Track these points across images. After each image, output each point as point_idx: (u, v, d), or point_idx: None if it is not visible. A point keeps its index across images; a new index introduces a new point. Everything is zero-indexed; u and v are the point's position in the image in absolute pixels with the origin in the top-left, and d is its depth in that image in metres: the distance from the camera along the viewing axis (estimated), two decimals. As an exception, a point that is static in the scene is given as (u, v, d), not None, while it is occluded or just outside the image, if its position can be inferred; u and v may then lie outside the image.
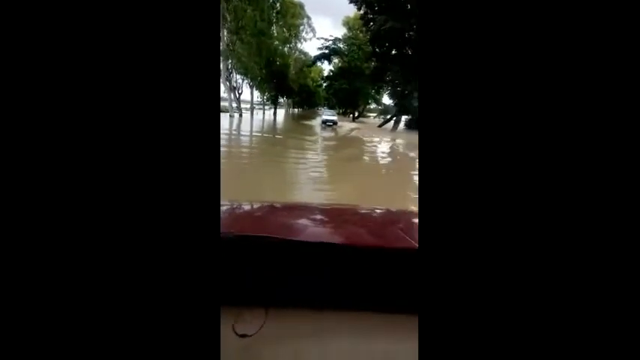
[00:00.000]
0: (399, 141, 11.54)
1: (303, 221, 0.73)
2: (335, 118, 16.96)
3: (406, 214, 0.85)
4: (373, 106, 27.84)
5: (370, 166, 6.73)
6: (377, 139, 11.57)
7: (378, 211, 0.90)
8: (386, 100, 23.15)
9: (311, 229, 0.68)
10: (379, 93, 23.28)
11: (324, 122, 16.02)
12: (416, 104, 17.57)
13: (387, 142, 11.24)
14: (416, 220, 0.71)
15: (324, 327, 0.45)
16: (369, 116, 29.09)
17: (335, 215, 0.83)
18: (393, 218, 0.85)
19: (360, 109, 26.10)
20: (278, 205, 0.87)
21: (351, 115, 24.92)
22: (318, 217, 0.79)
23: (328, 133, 12.57)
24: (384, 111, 23.62)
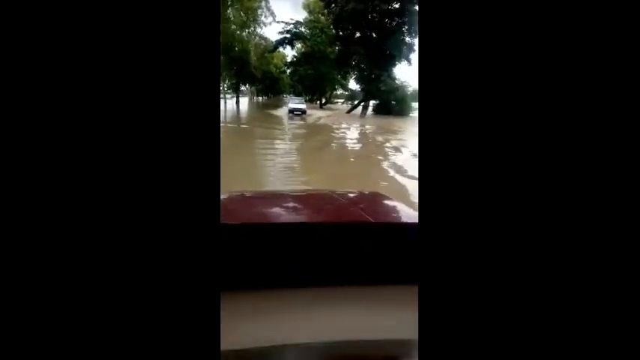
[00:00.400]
0: (367, 127, 11.62)
1: (275, 208, 0.79)
2: (303, 106, 15.26)
3: (366, 195, 1.00)
4: (340, 91, 27.76)
5: (340, 153, 6.68)
6: (345, 126, 11.53)
7: (344, 194, 0.99)
8: (353, 85, 22.98)
9: (283, 214, 0.75)
10: (345, 78, 22.99)
11: (292, 111, 14.36)
12: (383, 88, 17.68)
13: (356, 128, 11.26)
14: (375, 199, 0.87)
15: (308, 302, 0.48)
16: (337, 102, 29.01)
17: (304, 200, 0.90)
18: (356, 199, 0.94)
19: (327, 95, 25.89)
20: (249, 194, 0.96)
21: (318, 102, 24.69)
22: (290, 203, 0.85)
23: (297, 122, 12.14)
24: (351, 96, 23.40)
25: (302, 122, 12.30)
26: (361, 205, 0.80)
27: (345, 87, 24.55)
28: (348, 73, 20.69)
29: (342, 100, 27.96)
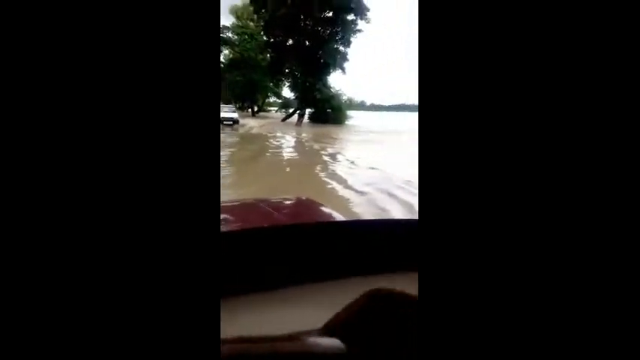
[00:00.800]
0: (304, 135, 11.42)
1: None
2: (235, 115, 13.56)
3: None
4: (273, 99, 27.34)
5: (276, 162, 6.33)
6: (280, 135, 11.19)
7: (269, 201, 1.02)
8: (287, 92, 22.71)
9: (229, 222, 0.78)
10: (278, 86, 22.74)
11: (222, 121, 12.55)
12: (319, 96, 17.74)
13: (293, 136, 10.99)
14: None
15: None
16: (270, 110, 28.53)
17: (229, 210, 0.91)
18: (280, 206, 1.00)
19: (260, 103, 25.28)
20: None
21: (250, 110, 23.95)
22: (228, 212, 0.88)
23: (228, 132, 11.24)
24: (285, 104, 23.16)
25: (233, 132, 11.61)
26: (285, 211, 0.87)
27: (278, 95, 24.13)
28: (281, 80, 20.37)
29: (275, 109, 27.58)
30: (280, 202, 1.07)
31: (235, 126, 13.10)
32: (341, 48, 16.61)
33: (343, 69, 17.12)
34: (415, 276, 0.31)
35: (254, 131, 12.55)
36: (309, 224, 0.72)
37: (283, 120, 18.44)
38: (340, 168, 5.62)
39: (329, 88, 17.98)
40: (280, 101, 23.70)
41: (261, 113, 24.54)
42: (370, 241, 0.66)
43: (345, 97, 19.35)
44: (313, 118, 18.02)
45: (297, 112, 17.62)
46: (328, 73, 17.20)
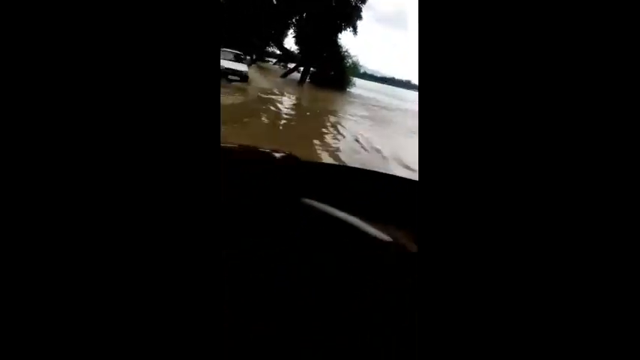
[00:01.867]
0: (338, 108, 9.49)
1: None
2: (244, 68, 9.58)
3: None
4: (272, 49, 25.14)
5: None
6: (287, 101, 9.76)
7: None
8: (289, 45, 20.64)
9: None
10: (282, 34, 20.71)
11: (225, 75, 8.76)
12: (326, 55, 16.11)
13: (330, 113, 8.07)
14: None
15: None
16: (269, 61, 26.47)
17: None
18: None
19: (258, 51, 23.20)
20: None
21: (248, 57, 21.88)
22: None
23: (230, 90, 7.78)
24: (284, 57, 21.32)
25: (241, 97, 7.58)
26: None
27: (280, 45, 22.11)
28: (287, 28, 18.37)
29: (274, 60, 25.52)
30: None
31: (242, 83, 9.20)
32: (356, 3, 14.91)
33: (355, 28, 15.56)
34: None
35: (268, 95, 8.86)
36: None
37: (283, 76, 16.92)
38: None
39: (339, 47, 16.38)
40: (280, 54, 21.60)
41: (259, 62, 22.61)
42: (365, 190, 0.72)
43: (351, 60, 17.78)
44: (314, 80, 16.63)
45: (301, 69, 16.15)
46: (340, 30, 15.56)
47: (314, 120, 6.99)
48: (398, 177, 0.79)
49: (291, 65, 18.24)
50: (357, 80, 18.97)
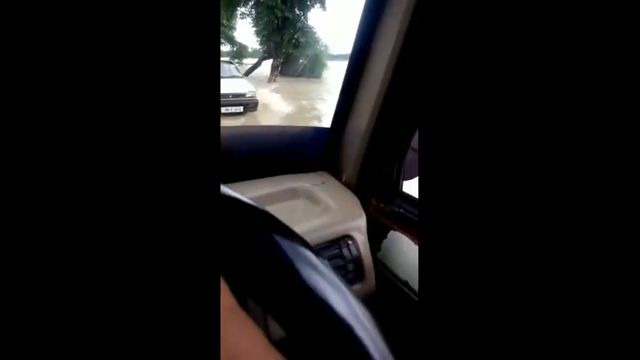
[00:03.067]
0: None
1: None
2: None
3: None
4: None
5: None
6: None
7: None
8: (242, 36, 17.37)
9: None
10: (230, 20, 16.96)
11: (228, 104, 6.47)
12: (302, 39, 13.39)
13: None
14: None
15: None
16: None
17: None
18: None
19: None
20: None
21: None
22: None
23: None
24: (238, 54, 18.06)
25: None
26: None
27: (230, 39, 18.53)
28: (231, 16, 15.09)
29: (227, 59, 22.10)
30: None
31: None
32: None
33: (323, 3, 13.06)
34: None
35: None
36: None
37: (247, 74, 13.86)
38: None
39: (311, 28, 13.67)
40: (234, 49, 18.16)
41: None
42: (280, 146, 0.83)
43: (321, 44, 15.16)
44: (284, 72, 14.07)
45: (270, 60, 13.40)
46: (307, 7, 12.93)
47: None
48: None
49: (252, 61, 15.41)
50: (331, 63, 16.61)
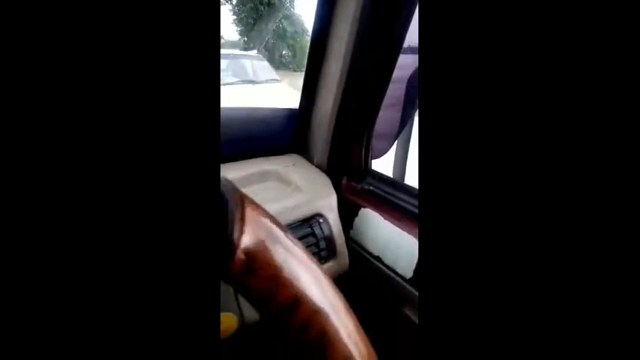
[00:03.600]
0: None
1: None
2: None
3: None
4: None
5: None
6: None
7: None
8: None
9: None
10: None
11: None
12: (290, 29, 12.65)
13: None
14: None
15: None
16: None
17: None
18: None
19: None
20: None
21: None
22: None
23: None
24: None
25: None
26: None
27: None
28: None
29: (254, 53, 21.04)
30: None
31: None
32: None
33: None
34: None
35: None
36: None
37: None
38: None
39: (299, 16, 13.11)
40: None
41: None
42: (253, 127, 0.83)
43: (303, 33, 14.78)
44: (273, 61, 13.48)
45: (251, 52, 12.88)
46: None
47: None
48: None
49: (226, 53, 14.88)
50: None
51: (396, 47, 0.71)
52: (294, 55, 13.32)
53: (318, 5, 0.73)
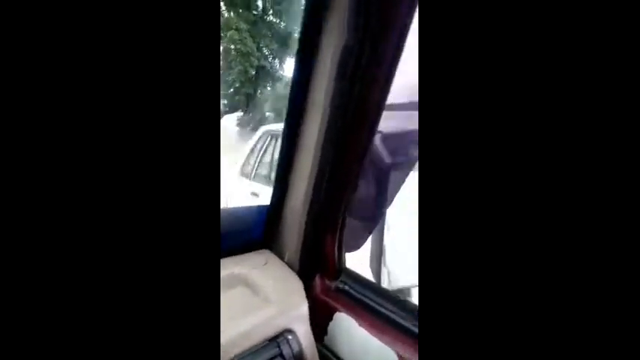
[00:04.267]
0: None
1: None
2: None
3: None
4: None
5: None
6: None
7: None
8: None
9: None
10: None
11: None
12: (282, 91, 12.24)
13: None
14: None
15: None
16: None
17: None
18: None
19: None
20: None
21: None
22: None
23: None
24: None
25: None
26: None
27: None
28: None
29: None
30: None
31: None
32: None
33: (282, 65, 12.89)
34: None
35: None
36: None
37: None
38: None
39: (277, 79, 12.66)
40: None
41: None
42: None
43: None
44: (242, 124, 13.15)
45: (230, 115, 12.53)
46: (285, 55, 11.89)
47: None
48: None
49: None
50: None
51: (370, 130, 0.68)
52: (277, 115, 13.63)
53: (289, 102, 0.75)
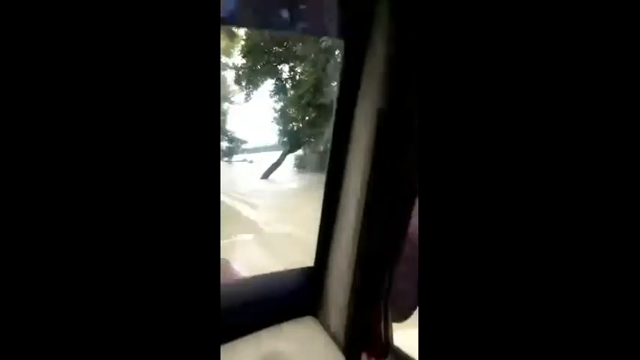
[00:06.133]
0: None
1: None
2: None
3: None
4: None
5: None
6: None
7: None
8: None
9: None
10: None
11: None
12: (312, 135, 11.86)
13: None
14: None
15: None
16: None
17: None
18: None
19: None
20: None
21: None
22: None
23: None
24: (231, 149, 12.74)
25: None
26: None
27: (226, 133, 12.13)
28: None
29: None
30: None
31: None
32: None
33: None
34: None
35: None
36: None
37: (264, 176, 9.80)
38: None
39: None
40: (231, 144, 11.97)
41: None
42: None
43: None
44: (301, 165, 11.05)
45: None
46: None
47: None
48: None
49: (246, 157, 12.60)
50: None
51: (411, 188, 0.65)
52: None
53: (329, 164, 0.74)
